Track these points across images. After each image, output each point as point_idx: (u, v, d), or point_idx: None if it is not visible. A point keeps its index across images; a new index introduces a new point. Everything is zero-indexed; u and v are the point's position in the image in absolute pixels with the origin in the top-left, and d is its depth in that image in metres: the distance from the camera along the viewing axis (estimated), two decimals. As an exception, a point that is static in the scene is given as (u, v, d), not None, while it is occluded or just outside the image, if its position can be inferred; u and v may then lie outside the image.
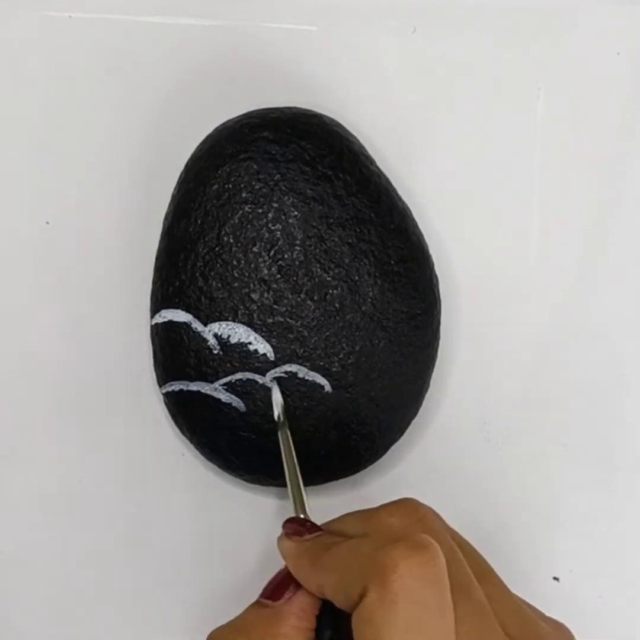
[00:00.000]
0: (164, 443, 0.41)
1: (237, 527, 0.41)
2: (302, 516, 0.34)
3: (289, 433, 0.37)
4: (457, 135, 0.42)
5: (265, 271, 0.37)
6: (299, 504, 0.34)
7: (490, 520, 0.41)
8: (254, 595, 0.40)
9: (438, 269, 0.39)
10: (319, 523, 0.40)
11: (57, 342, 0.41)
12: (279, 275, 0.38)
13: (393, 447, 0.39)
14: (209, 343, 0.38)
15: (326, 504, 0.40)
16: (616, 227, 0.42)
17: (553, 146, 0.42)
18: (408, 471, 0.41)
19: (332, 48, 0.41)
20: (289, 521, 0.34)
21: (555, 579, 0.41)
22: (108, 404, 0.41)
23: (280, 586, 0.32)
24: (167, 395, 0.39)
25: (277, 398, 0.37)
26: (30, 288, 0.41)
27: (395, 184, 0.39)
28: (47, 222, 0.41)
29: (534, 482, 0.41)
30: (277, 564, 0.40)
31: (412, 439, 0.40)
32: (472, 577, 0.29)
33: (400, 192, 0.39)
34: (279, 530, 0.40)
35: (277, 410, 0.37)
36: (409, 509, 0.31)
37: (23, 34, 0.41)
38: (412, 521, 0.30)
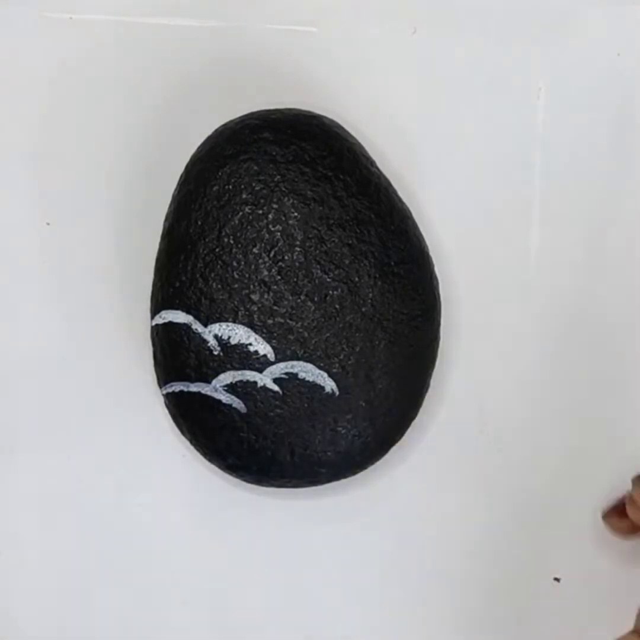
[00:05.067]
0: (164, 444, 0.41)
1: (237, 528, 0.41)
2: None
3: None
4: (457, 135, 0.41)
5: (266, 272, 0.37)
6: None
7: (491, 520, 0.41)
8: (252, 596, 0.40)
9: (438, 271, 0.39)
10: (321, 524, 0.41)
11: (57, 342, 0.41)
12: (279, 277, 0.38)
13: (393, 448, 0.40)
14: (209, 344, 0.38)
15: (328, 504, 0.41)
16: (616, 227, 0.42)
17: (553, 146, 0.42)
18: (409, 471, 0.41)
19: (333, 49, 0.41)
20: None
21: (556, 579, 0.41)
22: (109, 404, 0.41)
23: None
24: (167, 397, 0.39)
25: None
26: (31, 288, 0.41)
27: (396, 185, 0.39)
28: (48, 223, 0.41)
29: (533, 482, 0.41)
30: (277, 563, 0.41)
31: (412, 439, 0.40)
32: None
33: (401, 194, 0.39)
34: (278, 530, 0.41)
35: None
36: None
37: (24, 36, 0.41)
38: None
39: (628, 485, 0.40)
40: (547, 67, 0.42)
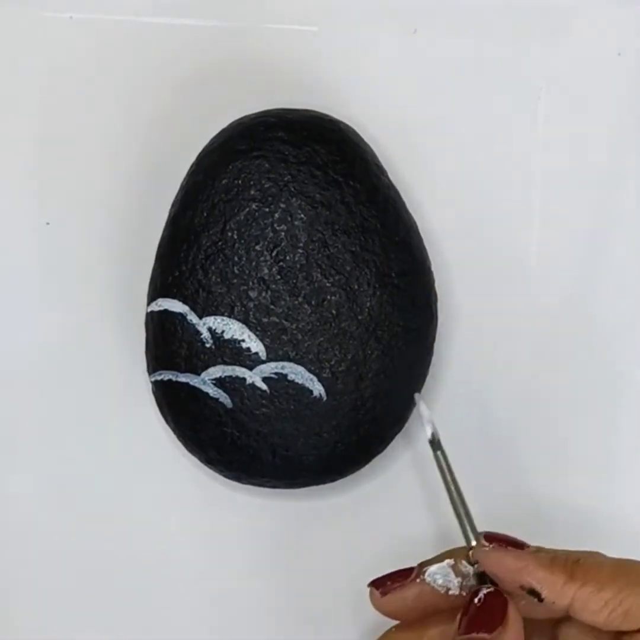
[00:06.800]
0: (163, 441, 0.41)
1: (234, 527, 0.41)
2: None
3: (445, 453, 0.35)
4: (456, 136, 0.41)
5: (266, 271, 0.37)
6: (470, 528, 0.34)
7: (487, 527, 0.40)
8: (250, 593, 0.41)
9: (438, 287, 0.39)
10: (299, 529, 0.41)
11: (57, 341, 0.41)
12: (278, 276, 0.37)
13: (376, 458, 0.39)
14: (202, 336, 0.38)
15: (305, 508, 0.41)
16: (617, 229, 0.42)
17: (554, 146, 0.41)
18: (388, 482, 0.41)
19: (333, 49, 0.41)
20: (491, 536, 0.33)
21: None
22: (110, 402, 0.41)
23: (496, 613, 0.31)
24: (155, 384, 0.39)
25: (425, 413, 0.36)
26: (31, 289, 0.41)
27: (405, 196, 0.39)
28: (48, 223, 0.41)
29: (533, 485, 0.41)
30: (269, 563, 0.41)
31: (395, 451, 0.40)
32: None
33: (409, 206, 0.39)
34: (270, 530, 0.41)
35: (430, 429, 0.35)
36: None
37: (24, 35, 0.41)
38: None
39: (628, 484, 0.40)
40: (547, 67, 0.42)
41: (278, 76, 0.41)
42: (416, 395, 0.37)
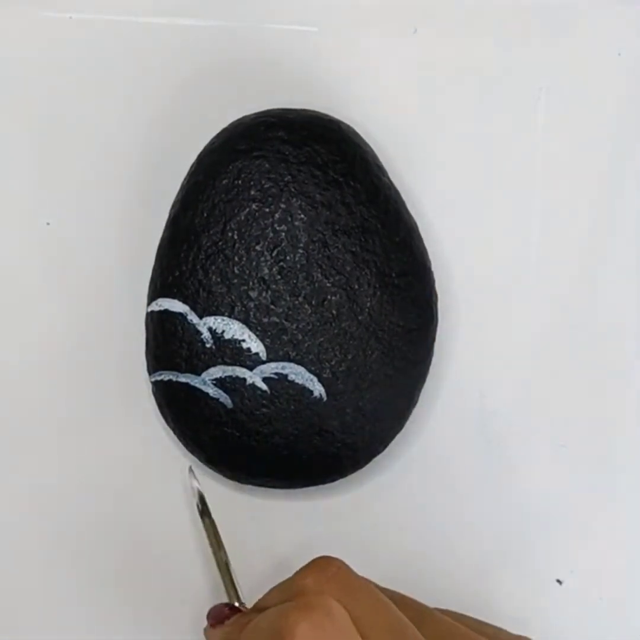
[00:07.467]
0: (162, 444, 0.40)
1: (232, 527, 0.41)
2: (228, 602, 0.35)
3: (213, 521, 0.37)
4: (457, 136, 0.41)
5: (266, 271, 0.37)
6: (232, 592, 0.35)
7: (488, 527, 0.41)
8: (250, 593, 0.39)
9: (439, 287, 0.39)
10: (299, 529, 0.41)
11: (57, 341, 0.41)
12: (279, 276, 0.38)
13: (376, 458, 0.39)
14: (202, 336, 0.38)
15: (305, 508, 0.41)
16: (617, 229, 0.42)
17: (554, 147, 0.42)
18: (390, 482, 0.41)
19: (332, 49, 0.41)
20: (212, 610, 0.35)
21: (558, 581, 0.41)
22: (110, 402, 0.41)
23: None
24: (155, 385, 0.39)
25: (194, 485, 0.38)
26: (31, 289, 0.41)
27: (405, 196, 0.39)
28: (48, 223, 0.41)
29: (534, 484, 0.41)
30: (270, 563, 0.40)
31: (395, 451, 0.40)
32: (402, 617, 0.30)
33: (409, 206, 0.39)
34: (270, 530, 0.41)
35: (196, 499, 0.37)
36: (320, 567, 0.31)
37: (24, 35, 0.41)
38: (325, 578, 0.30)
39: (628, 484, 0.40)
40: (547, 67, 0.42)
41: (278, 76, 0.41)
42: (189, 467, 0.38)
